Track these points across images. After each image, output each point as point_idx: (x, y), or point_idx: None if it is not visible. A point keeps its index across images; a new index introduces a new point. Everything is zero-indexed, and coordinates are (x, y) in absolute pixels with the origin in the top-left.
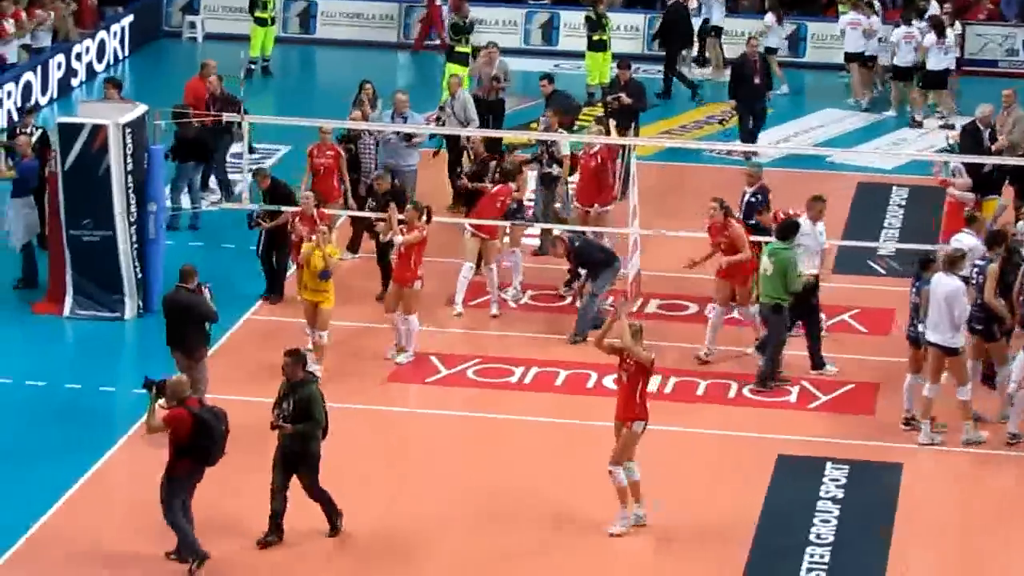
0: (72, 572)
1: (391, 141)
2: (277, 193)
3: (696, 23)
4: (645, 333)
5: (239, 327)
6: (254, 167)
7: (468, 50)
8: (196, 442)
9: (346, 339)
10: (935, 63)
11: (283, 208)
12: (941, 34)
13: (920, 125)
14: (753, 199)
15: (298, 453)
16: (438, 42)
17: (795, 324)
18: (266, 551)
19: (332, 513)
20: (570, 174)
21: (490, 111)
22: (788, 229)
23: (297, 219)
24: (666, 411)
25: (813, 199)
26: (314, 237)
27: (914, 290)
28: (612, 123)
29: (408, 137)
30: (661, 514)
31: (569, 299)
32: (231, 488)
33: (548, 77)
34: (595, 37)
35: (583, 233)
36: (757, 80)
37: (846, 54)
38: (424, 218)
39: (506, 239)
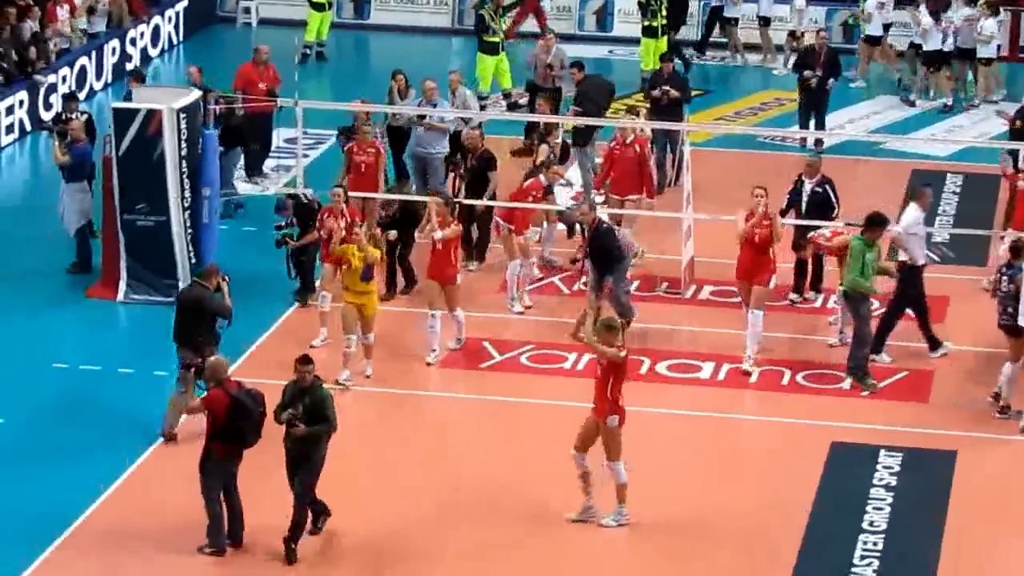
0: (123, 556)
1: (418, 131)
2: (305, 210)
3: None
4: (699, 319)
5: (286, 317)
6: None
7: (497, 40)
8: (232, 424)
9: (399, 324)
10: (932, 44)
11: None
12: (938, 17)
13: (950, 109)
14: (819, 190)
15: (303, 456)
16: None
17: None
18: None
19: (296, 532)
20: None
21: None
22: (874, 222)
23: (327, 215)
24: (719, 398)
25: (926, 187)
26: (359, 236)
27: (1005, 278)
28: (643, 112)
29: (421, 117)
30: (715, 500)
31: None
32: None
33: (578, 64)
34: (648, 23)
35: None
36: (819, 72)
37: (869, 37)
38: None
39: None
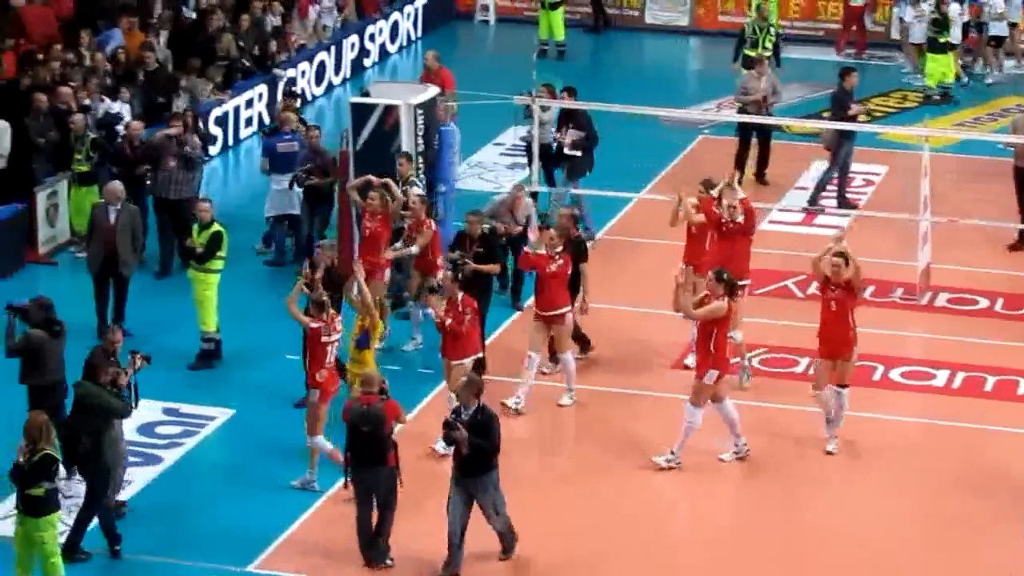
0: (330, 568)
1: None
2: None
3: None
4: (934, 326)
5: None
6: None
7: (753, 54)
8: (351, 438)
9: (633, 325)
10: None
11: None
12: (916, 3)
13: None
14: None
15: None
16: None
17: None
18: None
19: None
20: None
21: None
22: None
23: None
24: (954, 406)
25: None
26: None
27: None
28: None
29: None
30: (947, 509)
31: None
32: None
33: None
34: (941, 39)
35: None
36: None
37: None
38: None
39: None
